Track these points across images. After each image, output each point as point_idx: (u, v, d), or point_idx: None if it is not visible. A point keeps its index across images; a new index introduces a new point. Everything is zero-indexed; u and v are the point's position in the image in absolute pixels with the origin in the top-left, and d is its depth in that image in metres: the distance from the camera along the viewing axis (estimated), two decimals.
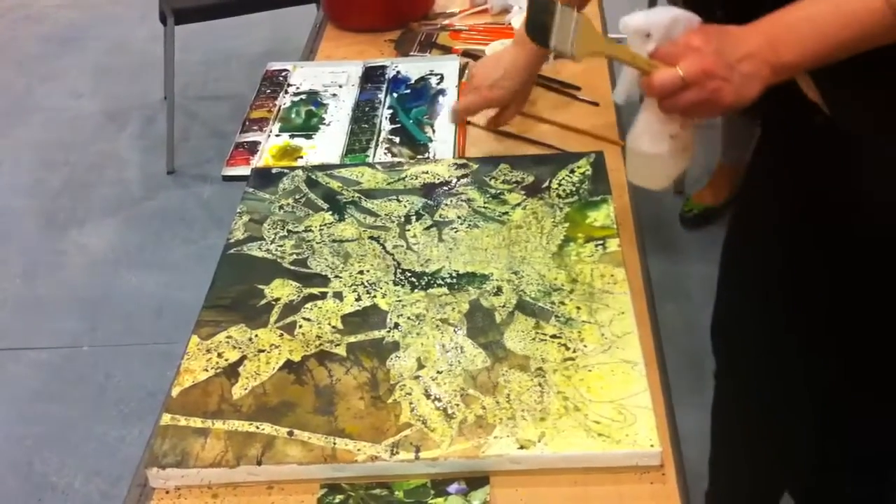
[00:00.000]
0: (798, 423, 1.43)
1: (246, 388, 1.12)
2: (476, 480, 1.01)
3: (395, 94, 1.75)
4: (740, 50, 0.99)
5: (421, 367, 1.13)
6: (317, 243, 1.34)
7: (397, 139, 1.62)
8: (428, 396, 1.09)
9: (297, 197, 1.44)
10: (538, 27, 1.02)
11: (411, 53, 1.91)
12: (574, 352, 1.13)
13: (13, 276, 2.92)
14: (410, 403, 1.08)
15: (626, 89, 1.12)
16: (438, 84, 1.77)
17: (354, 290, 1.25)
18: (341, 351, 1.16)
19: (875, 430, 1.38)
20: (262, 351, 1.17)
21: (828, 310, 1.29)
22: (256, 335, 1.20)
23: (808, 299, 1.31)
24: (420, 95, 1.74)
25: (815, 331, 1.33)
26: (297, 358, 1.16)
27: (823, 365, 1.34)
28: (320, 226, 1.38)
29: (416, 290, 1.24)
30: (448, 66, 1.82)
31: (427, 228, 1.35)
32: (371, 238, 1.35)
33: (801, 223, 1.28)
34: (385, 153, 1.58)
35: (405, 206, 1.40)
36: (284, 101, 1.76)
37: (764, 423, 1.51)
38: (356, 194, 1.44)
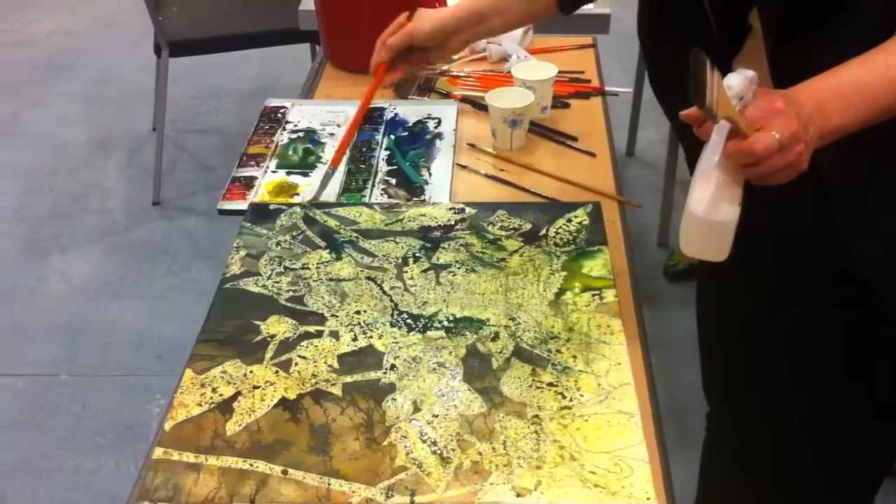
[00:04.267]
0: (791, 462, 1.43)
1: (240, 425, 1.11)
2: None
3: (392, 136, 1.76)
4: (805, 112, 0.97)
5: (417, 409, 1.13)
6: (314, 281, 1.34)
7: (394, 181, 1.63)
8: (423, 440, 1.08)
9: (294, 234, 1.44)
10: (696, 83, 0.94)
11: (410, 97, 1.92)
12: (571, 400, 1.13)
13: None
14: (406, 446, 1.08)
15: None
16: (436, 128, 1.78)
17: (351, 330, 1.25)
18: (337, 390, 1.16)
19: (866, 469, 1.39)
20: (257, 387, 1.16)
21: (814, 350, 1.29)
22: (251, 371, 1.19)
23: (790, 341, 1.31)
24: (417, 138, 1.75)
25: (801, 370, 1.33)
26: (292, 396, 1.15)
27: (815, 404, 1.33)
28: (317, 264, 1.38)
29: (412, 333, 1.24)
30: (446, 111, 1.83)
31: (424, 271, 1.36)
32: (368, 278, 1.35)
33: (777, 268, 1.29)
34: (381, 194, 1.59)
35: (403, 248, 1.40)
36: (282, 137, 1.77)
37: (755, 463, 1.50)
38: (354, 234, 1.44)
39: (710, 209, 1.00)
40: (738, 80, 0.96)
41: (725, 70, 1.01)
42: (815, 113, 0.98)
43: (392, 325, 1.26)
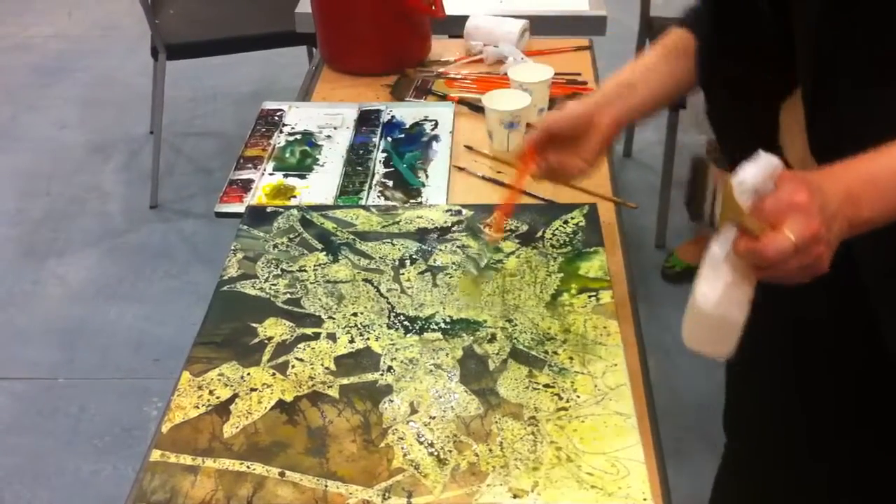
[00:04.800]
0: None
1: (237, 427, 1.11)
2: None
3: (389, 139, 1.76)
4: (831, 206, 0.88)
5: (414, 411, 1.13)
6: (311, 283, 1.34)
7: (391, 183, 1.63)
8: (420, 441, 1.09)
9: (291, 236, 1.44)
10: (693, 190, 0.88)
11: (406, 99, 1.92)
12: (567, 402, 1.13)
13: None
14: (403, 448, 1.08)
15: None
16: (433, 130, 1.79)
17: (348, 332, 1.25)
18: (334, 392, 1.16)
19: None
20: (255, 390, 1.17)
21: (836, 404, 1.26)
22: (249, 373, 1.19)
23: (817, 392, 1.28)
24: (414, 140, 1.76)
25: (823, 441, 1.30)
26: (289, 398, 1.15)
27: (835, 471, 1.31)
28: (314, 266, 1.38)
29: (409, 335, 1.24)
30: (443, 113, 1.84)
31: (421, 273, 1.36)
32: (365, 280, 1.35)
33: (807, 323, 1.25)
34: (378, 196, 1.59)
35: (399, 250, 1.41)
36: (279, 140, 1.77)
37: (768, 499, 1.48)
38: (350, 236, 1.44)
39: (717, 307, 0.93)
40: (753, 174, 0.87)
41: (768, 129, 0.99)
42: (844, 204, 0.89)
43: (389, 327, 1.26)
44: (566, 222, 1.45)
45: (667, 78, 1.26)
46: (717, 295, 0.93)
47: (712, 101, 1.18)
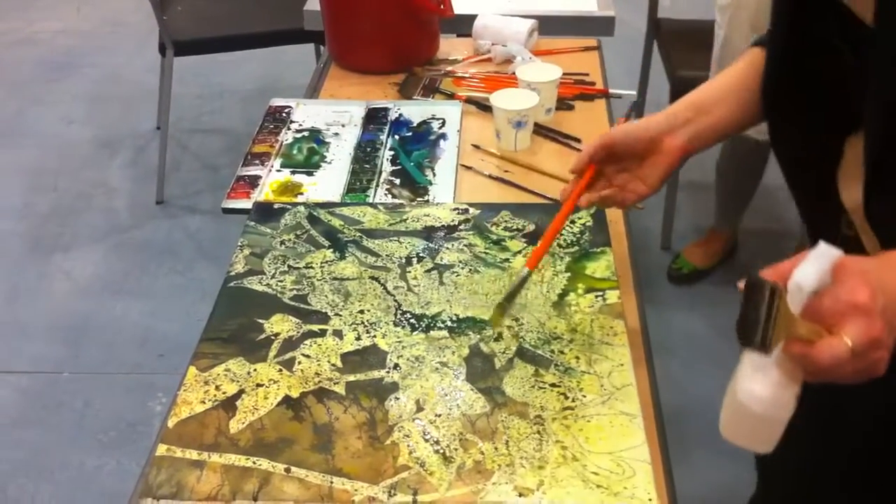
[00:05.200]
0: None
1: (243, 423, 1.11)
2: None
3: (396, 136, 1.76)
4: (894, 304, 0.81)
5: (420, 409, 1.13)
6: (317, 280, 1.35)
7: (398, 181, 1.63)
8: (426, 439, 1.09)
9: (298, 233, 1.44)
10: (749, 315, 0.80)
11: (414, 97, 1.93)
12: (573, 401, 1.13)
13: None
14: (408, 445, 1.08)
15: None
16: (440, 128, 1.79)
17: (354, 329, 1.25)
18: (340, 389, 1.16)
19: None
20: (261, 385, 1.17)
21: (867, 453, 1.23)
22: (255, 369, 1.19)
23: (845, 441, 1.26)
24: (421, 139, 1.76)
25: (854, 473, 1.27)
26: (295, 394, 1.15)
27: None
28: (321, 263, 1.38)
29: (416, 332, 1.25)
30: (450, 112, 1.84)
31: (428, 271, 1.36)
32: (372, 278, 1.35)
33: None
34: (385, 194, 1.59)
35: (406, 248, 1.41)
36: (287, 137, 1.77)
37: None
38: (357, 233, 1.44)
39: (764, 408, 0.87)
40: (812, 278, 0.80)
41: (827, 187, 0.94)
42: None
43: (395, 325, 1.26)
44: (573, 222, 1.45)
45: (742, 104, 1.19)
46: (764, 396, 0.86)
47: (776, 130, 1.13)
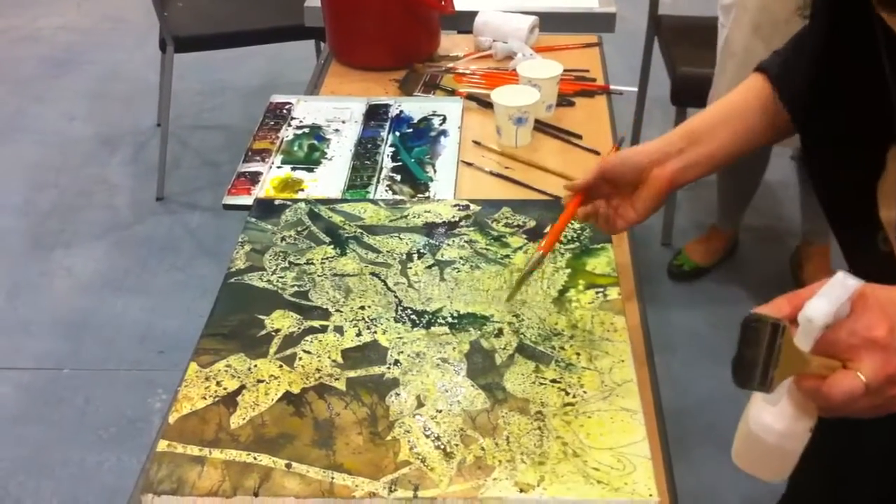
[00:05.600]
0: None
1: (244, 418, 1.12)
2: None
3: (397, 133, 1.76)
4: None
5: (420, 405, 1.13)
6: (318, 276, 1.35)
7: (398, 177, 1.63)
8: (427, 435, 1.09)
9: (299, 229, 1.44)
10: (745, 354, 0.77)
11: (415, 93, 1.93)
12: (574, 397, 1.13)
13: None
14: (409, 441, 1.08)
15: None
16: (441, 125, 1.79)
17: (355, 325, 1.25)
18: (341, 385, 1.16)
19: None
20: (262, 381, 1.17)
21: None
22: (256, 365, 1.19)
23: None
24: (422, 135, 1.76)
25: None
26: (296, 390, 1.15)
27: None
28: (322, 259, 1.38)
29: (416, 328, 1.25)
30: (451, 108, 1.84)
31: (429, 267, 1.36)
32: (372, 274, 1.35)
33: None
34: (386, 190, 1.59)
35: (407, 244, 1.41)
36: (287, 133, 1.77)
37: None
38: (358, 229, 1.44)
39: (777, 439, 0.85)
40: (826, 310, 0.77)
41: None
42: None
43: (396, 321, 1.26)
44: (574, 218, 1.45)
45: (738, 135, 1.17)
46: (777, 428, 0.85)
47: (813, 143, 1.11)
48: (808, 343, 0.78)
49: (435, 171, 1.64)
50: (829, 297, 0.77)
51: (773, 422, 0.84)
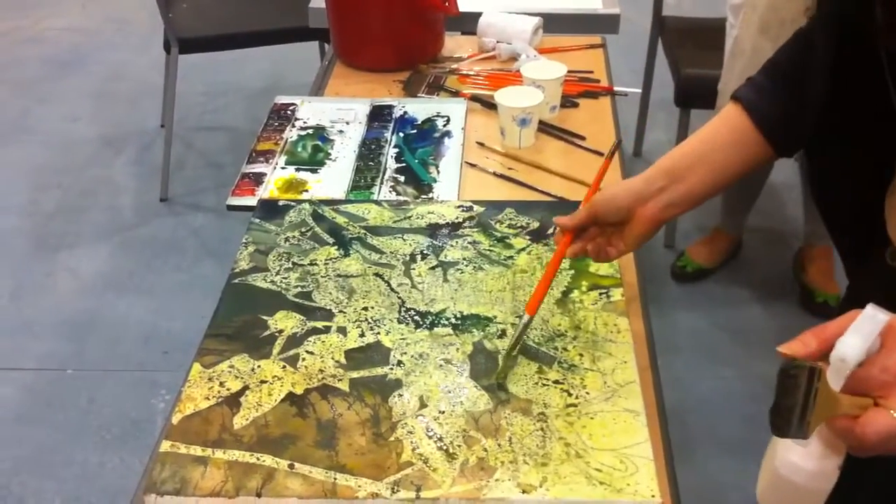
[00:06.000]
0: None
1: (247, 419, 1.12)
2: None
3: (401, 134, 1.77)
4: None
5: (423, 405, 1.13)
6: (322, 277, 1.35)
7: (402, 178, 1.63)
8: (430, 436, 1.09)
9: (303, 230, 1.45)
10: (785, 410, 0.76)
11: (419, 95, 1.93)
12: (576, 398, 1.13)
13: (0, 296, 2.90)
14: (412, 442, 1.08)
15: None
16: (445, 126, 1.79)
17: (358, 326, 1.25)
18: (344, 386, 1.16)
19: None
20: (265, 382, 1.17)
21: None
22: (259, 366, 1.19)
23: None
24: (426, 136, 1.76)
25: None
26: (299, 391, 1.15)
27: None
28: (325, 260, 1.38)
29: (419, 329, 1.25)
30: (455, 109, 1.84)
31: (432, 268, 1.36)
32: (376, 275, 1.35)
33: None
34: (390, 191, 1.59)
35: (410, 245, 1.41)
36: (291, 134, 1.77)
37: None
38: (362, 230, 1.44)
39: (803, 476, 0.84)
40: (859, 349, 0.76)
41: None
42: None
43: (399, 322, 1.26)
44: None
45: (714, 169, 1.17)
46: (806, 468, 0.83)
47: (820, 161, 1.12)
48: (839, 382, 0.77)
49: (438, 173, 1.65)
50: (861, 334, 0.75)
51: (803, 462, 0.83)
